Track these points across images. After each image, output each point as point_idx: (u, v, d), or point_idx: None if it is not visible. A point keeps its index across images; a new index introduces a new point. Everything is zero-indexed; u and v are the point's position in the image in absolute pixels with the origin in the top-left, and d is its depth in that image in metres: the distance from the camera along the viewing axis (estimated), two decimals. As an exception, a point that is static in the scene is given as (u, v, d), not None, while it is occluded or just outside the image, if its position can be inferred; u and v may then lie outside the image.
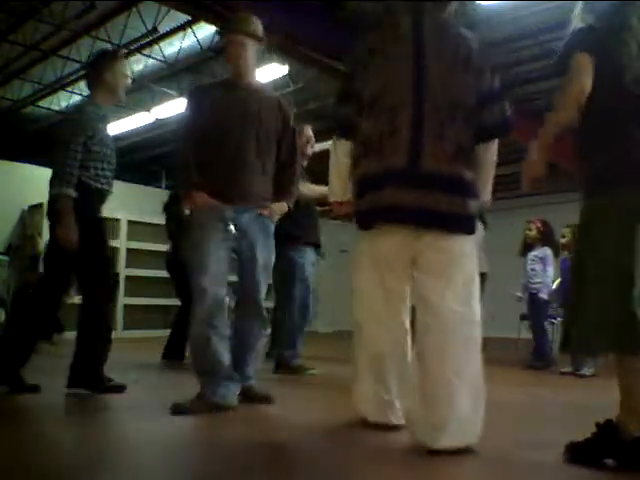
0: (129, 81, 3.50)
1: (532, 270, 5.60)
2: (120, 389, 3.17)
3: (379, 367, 2.36)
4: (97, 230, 3.24)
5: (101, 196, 3.25)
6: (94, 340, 3.18)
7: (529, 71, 7.50)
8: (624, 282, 1.82)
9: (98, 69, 3.31)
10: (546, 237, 5.65)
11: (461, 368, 2.08)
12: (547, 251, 5.56)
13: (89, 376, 3.15)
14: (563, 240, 5.42)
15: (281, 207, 3.03)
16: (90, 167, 3.14)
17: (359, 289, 2.37)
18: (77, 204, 3.07)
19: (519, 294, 5.84)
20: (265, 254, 2.91)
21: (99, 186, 3.20)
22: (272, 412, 2.87)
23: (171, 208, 5.15)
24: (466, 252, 2.18)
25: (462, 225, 2.18)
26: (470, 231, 2.20)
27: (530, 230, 5.71)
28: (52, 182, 3.09)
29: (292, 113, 3.09)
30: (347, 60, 2.56)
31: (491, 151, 2.34)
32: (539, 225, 5.71)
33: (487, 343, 5.90)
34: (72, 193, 3.05)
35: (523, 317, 6.37)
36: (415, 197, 2.13)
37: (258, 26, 2.97)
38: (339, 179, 2.47)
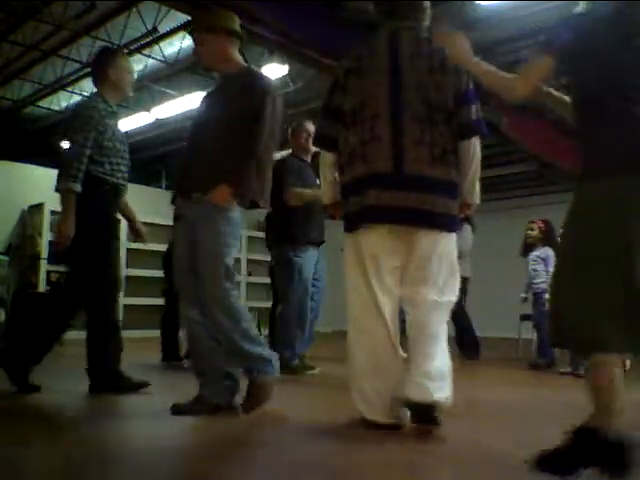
0: (133, 77, 3.49)
1: (534, 270, 5.59)
2: (143, 385, 3.18)
3: (376, 363, 2.39)
4: (107, 228, 3.26)
5: (117, 191, 3.29)
6: (105, 341, 3.19)
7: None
8: (614, 278, 1.71)
9: (101, 66, 3.31)
10: (548, 237, 5.63)
11: (439, 349, 2.35)
12: (549, 251, 5.54)
13: (109, 378, 3.16)
14: (532, 233, 5.45)
15: (218, 193, 2.58)
16: (105, 162, 3.15)
17: (351, 287, 2.45)
18: (91, 200, 3.08)
19: (523, 295, 5.84)
20: (206, 244, 2.63)
21: (115, 180, 3.23)
22: (272, 412, 2.87)
23: None
24: (448, 248, 2.40)
25: (444, 223, 2.36)
26: (451, 229, 2.40)
27: (532, 230, 5.70)
28: (59, 177, 3.08)
29: (260, 91, 2.71)
30: (332, 80, 2.65)
31: (471, 150, 2.43)
32: (541, 225, 5.70)
33: (487, 343, 5.91)
34: (78, 188, 3.05)
35: (524, 317, 6.36)
36: (399, 198, 2.30)
37: (211, 18, 2.88)
38: (326, 185, 2.66)
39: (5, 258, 7.93)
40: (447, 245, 2.39)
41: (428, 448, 2.20)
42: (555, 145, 9.14)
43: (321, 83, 7.70)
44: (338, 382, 3.52)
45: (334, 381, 3.90)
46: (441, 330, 2.39)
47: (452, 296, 2.42)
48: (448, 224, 2.37)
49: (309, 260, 4.42)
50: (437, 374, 2.31)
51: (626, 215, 1.73)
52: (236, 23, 2.92)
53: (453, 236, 2.42)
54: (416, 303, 2.37)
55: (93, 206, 3.10)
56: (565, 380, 4.57)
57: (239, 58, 2.92)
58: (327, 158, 2.59)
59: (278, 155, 4.12)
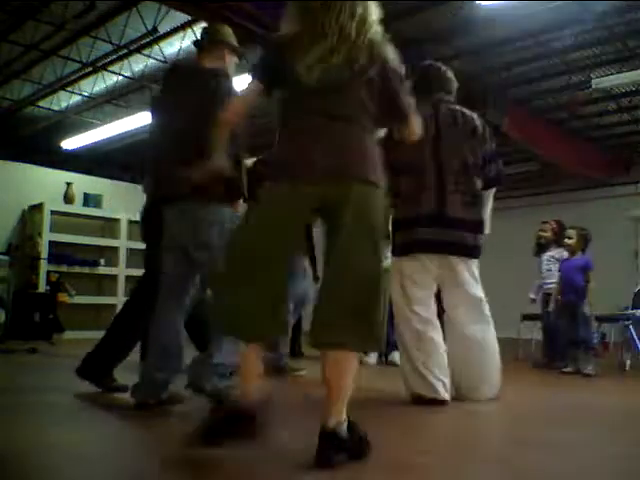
0: None
1: (548, 271, 5.58)
2: (124, 389, 3.16)
3: (426, 350, 3.07)
4: None
5: None
6: (123, 339, 3.23)
7: (529, 71, 7.49)
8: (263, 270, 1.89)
9: None
10: (561, 238, 5.60)
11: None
12: (564, 252, 5.53)
13: (100, 371, 3.18)
14: (569, 241, 5.24)
15: None
16: None
17: (395, 299, 3.15)
18: None
19: (532, 295, 5.81)
20: None
21: None
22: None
23: None
24: (474, 270, 3.24)
25: (473, 252, 3.19)
26: (477, 256, 3.24)
27: (544, 231, 5.68)
28: None
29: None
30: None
31: (490, 196, 3.35)
32: (554, 225, 5.69)
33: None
34: None
35: (524, 317, 6.36)
36: (441, 234, 3.09)
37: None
38: None
39: (5, 258, 7.93)
40: (473, 267, 3.23)
41: (427, 448, 2.20)
42: (556, 144, 9.14)
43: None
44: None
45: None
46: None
47: (483, 304, 3.27)
48: (475, 253, 3.21)
49: None
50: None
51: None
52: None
53: (477, 261, 3.25)
54: (454, 309, 3.22)
55: None
56: (566, 379, 4.58)
57: None
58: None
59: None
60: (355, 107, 1.94)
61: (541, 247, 5.71)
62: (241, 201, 2.84)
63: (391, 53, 1.99)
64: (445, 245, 3.10)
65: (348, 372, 1.86)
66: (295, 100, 1.99)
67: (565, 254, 5.49)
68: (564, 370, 4.90)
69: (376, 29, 1.98)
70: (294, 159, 1.92)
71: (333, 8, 1.92)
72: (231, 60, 2.98)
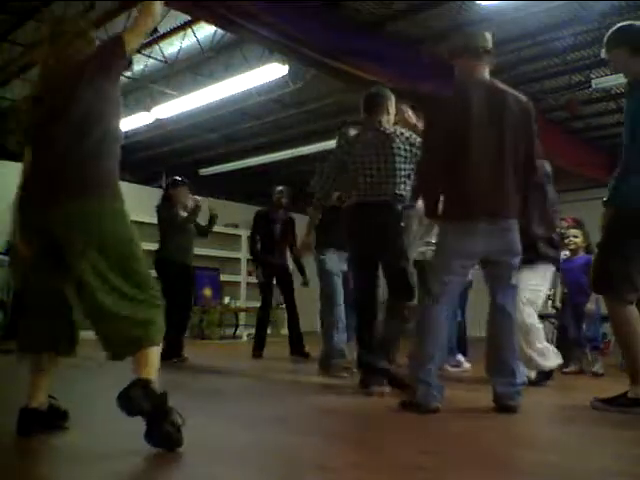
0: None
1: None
2: None
3: None
4: None
5: None
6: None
7: (529, 71, 7.49)
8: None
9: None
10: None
11: None
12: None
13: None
14: (576, 240, 5.16)
15: None
16: None
17: None
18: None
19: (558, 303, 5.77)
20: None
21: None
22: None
23: (163, 209, 5.51)
24: None
25: None
26: None
27: (576, 237, 5.60)
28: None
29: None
30: None
31: None
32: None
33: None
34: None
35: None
36: None
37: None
38: None
39: (5, 258, 7.92)
40: None
41: (428, 448, 2.19)
42: (556, 144, 9.14)
43: (321, 83, 7.70)
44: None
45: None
46: None
47: None
48: None
49: None
50: None
51: None
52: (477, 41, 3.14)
53: None
54: None
55: None
56: (567, 379, 4.57)
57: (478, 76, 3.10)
58: None
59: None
60: None
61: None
62: None
63: None
64: None
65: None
66: None
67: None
68: (566, 370, 4.89)
69: None
70: None
71: None
72: None
